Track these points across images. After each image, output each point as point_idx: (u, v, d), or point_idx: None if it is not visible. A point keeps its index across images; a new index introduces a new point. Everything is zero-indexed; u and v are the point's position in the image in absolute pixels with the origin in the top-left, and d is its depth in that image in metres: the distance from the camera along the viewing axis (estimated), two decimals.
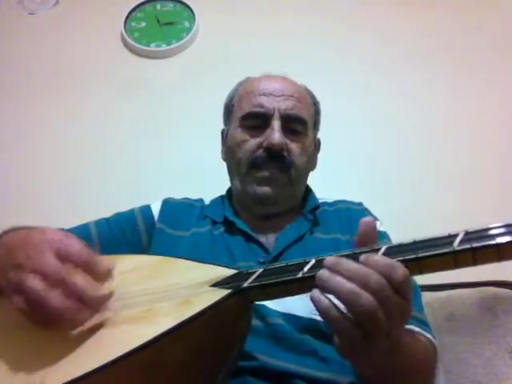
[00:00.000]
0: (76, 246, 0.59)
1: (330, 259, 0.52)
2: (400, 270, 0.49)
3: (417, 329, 0.80)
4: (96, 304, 0.57)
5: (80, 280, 0.56)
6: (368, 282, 0.48)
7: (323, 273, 0.51)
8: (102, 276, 0.59)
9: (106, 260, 0.65)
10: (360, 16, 1.72)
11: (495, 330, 1.05)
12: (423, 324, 0.82)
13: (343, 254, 0.53)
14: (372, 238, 0.55)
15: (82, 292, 0.55)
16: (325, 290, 0.50)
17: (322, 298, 0.50)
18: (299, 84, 1.05)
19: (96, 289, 0.57)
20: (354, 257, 0.52)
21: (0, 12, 1.85)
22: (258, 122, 0.97)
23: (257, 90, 0.99)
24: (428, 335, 0.81)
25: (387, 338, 0.51)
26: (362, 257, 0.50)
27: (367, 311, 0.48)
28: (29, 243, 0.61)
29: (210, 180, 1.22)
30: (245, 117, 0.99)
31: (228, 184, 1.07)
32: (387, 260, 0.50)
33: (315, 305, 0.50)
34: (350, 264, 0.50)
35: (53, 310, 0.55)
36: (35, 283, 0.55)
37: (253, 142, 0.96)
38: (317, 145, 1.09)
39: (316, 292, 0.51)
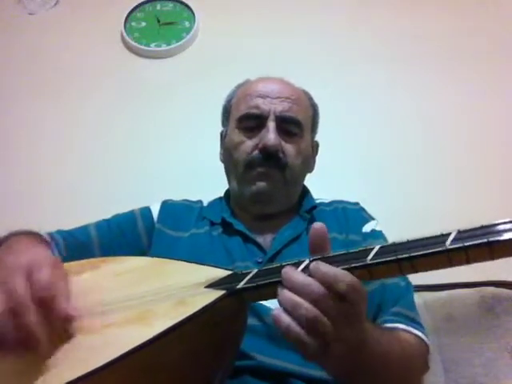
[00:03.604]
0: (44, 280, 0.59)
1: (283, 271, 0.53)
2: (342, 278, 0.50)
3: (402, 326, 0.80)
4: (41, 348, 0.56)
5: (32, 318, 0.56)
6: (306, 291, 0.50)
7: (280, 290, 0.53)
8: (57, 319, 0.59)
9: (100, 265, 0.65)
10: (360, 17, 1.72)
11: (495, 330, 1.05)
12: (412, 321, 0.82)
13: (334, 254, 0.54)
14: (323, 244, 0.56)
15: (27, 331, 0.55)
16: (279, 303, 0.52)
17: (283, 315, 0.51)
18: (297, 87, 1.05)
19: (40, 332, 0.56)
20: (339, 259, 0.53)
21: (0, 12, 1.85)
22: (254, 123, 0.98)
23: (254, 92, 1.00)
24: (415, 331, 0.81)
25: (341, 342, 0.52)
26: (311, 266, 0.52)
27: (308, 320, 0.49)
28: (9, 259, 0.63)
29: (210, 180, 1.22)
30: (241, 118, 1.00)
31: (227, 185, 1.07)
32: (332, 269, 0.51)
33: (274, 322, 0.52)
34: (294, 275, 0.52)
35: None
36: None
37: (249, 144, 0.97)
38: (314, 147, 1.09)
39: (276, 310, 0.52)
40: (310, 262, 0.53)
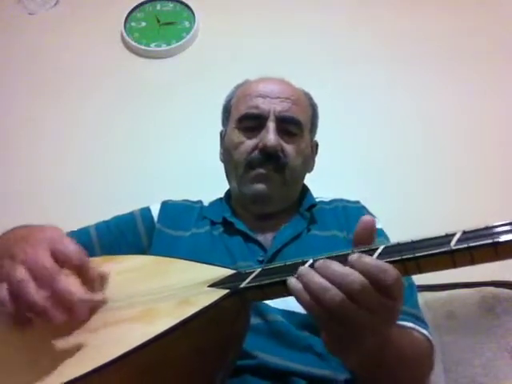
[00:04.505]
0: (72, 247, 0.59)
1: (318, 263, 0.51)
2: (390, 272, 0.49)
3: (411, 325, 0.80)
4: (79, 308, 0.56)
5: (67, 282, 0.56)
6: (343, 280, 0.48)
7: (302, 269, 0.51)
8: (94, 281, 0.59)
9: (101, 264, 0.65)
10: (360, 17, 1.72)
11: (495, 330, 1.05)
12: (418, 320, 0.83)
13: (340, 253, 0.53)
14: (370, 238, 0.54)
15: (64, 294, 0.55)
16: (303, 285, 0.50)
17: (305, 293, 0.50)
18: (297, 87, 1.06)
19: (81, 293, 0.56)
20: (343, 259, 0.51)
21: (0, 12, 1.85)
22: (253, 123, 0.98)
23: (254, 92, 1.00)
24: (423, 331, 0.81)
25: (374, 335, 0.51)
26: (354, 257, 0.50)
27: (334, 307, 0.48)
28: (28, 239, 0.62)
29: (210, 180, 1.23)
30: (241, 118, 1.00)
31: (227, 185, 1.07)
32: (378, 262, 0.49)
33: (298, 300, 0.51)
34: (331, 263, 0.50)
35: (30, 303, 0.54)
36: (19, 272, 0.55)
37: (249, 144, 0.97)
38: (314, 147, 1.09)
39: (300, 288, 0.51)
40: (315, 260, 0.53)
